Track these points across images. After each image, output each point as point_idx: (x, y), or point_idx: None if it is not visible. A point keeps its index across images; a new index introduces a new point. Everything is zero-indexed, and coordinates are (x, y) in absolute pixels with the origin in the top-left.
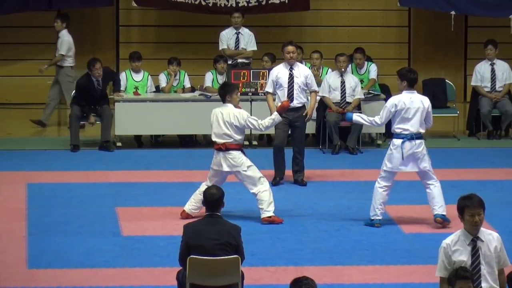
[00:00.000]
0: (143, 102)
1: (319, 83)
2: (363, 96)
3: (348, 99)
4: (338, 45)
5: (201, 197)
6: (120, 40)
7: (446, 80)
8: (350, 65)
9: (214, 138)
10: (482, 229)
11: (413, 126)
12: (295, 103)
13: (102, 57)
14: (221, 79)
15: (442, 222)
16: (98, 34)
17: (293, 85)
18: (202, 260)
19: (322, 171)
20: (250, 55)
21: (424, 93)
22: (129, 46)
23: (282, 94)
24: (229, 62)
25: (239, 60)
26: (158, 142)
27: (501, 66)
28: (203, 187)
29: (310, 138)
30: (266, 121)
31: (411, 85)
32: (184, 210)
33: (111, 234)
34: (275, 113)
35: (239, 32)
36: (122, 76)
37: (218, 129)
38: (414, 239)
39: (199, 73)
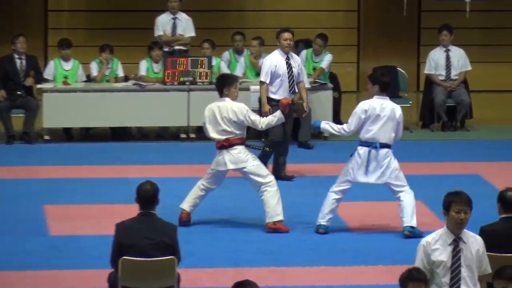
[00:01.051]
0: (73, 92)
1: (258, 72)
2: (309, 85)
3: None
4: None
5: (200, 192)
6: (49, 26)
7: (398, 68)
8: (305, 52)
9: (213, 136)
10: (465, 230)
11: (381, 135)
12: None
13: (29, 44)
14: (157, 67)
15: (410, 235)
16: (25, 19)
17: (292, 76)
18: (135, 261)
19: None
20: (187, 41)
21: None
22: (58, 32)
23: (280, 85)
24: (165, 49)
25: (176, 47)
26: (89, 135)
27: (456, 52)
28: (197, 188)
29: (252, 130)
30: (268, 119)
31: (383, 90)
32: (184, 211)
33: (39, 234)
34: (279, 111)
35: (176, 17)
36: (51, 64)
37: (216, 126)
38: (364, 239)
39: (133, 61)
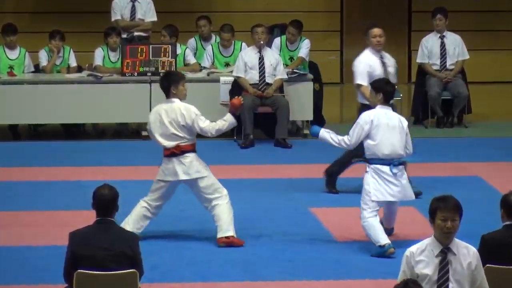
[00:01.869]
0: (20, 84)
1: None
2: (286, 76)
3: (268, 80)
4: (255, 15)
5: (144, 213)
6: None
7: None
8: (279, 39)
9: (163, 142)
10: (456, 240)
11: (399, 147)
12: None
13: None
14: (114, 56)
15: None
16: None
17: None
18: (91, 274)
19: (237, 166)
20: (148, 27)
21: None
22: (2, 17)
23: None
24: (124, 35)
25: (136, 34)
26: (38, 132)
27: (452, 39)
28: (139, 206)
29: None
30: (218, 124)
31: (387, 100)
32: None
33: None
34: (229, 115)
35: (135, 0)
36: None
37: (164, 129)
38: (347, 249)
39: (87, 50)
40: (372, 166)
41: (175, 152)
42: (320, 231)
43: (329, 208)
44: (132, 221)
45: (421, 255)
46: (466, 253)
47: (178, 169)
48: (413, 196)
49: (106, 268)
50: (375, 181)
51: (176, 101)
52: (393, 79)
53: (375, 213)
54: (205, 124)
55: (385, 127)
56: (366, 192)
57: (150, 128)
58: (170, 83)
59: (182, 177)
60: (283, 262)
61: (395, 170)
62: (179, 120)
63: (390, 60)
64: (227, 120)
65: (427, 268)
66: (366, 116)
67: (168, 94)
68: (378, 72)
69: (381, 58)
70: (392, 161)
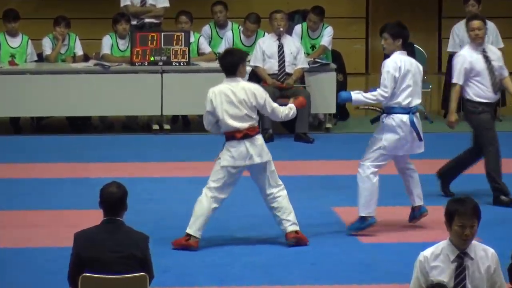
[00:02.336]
0: (22, 74)
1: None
2: (307, 66)
3: (288, 70)
4: (275, 0)
5: (211, 205)
6: None
7: (415, 46)
8: (300, 27)
9: (234, 124)
10: (474, 242)
11: (419, 95)
12: None
13: None
14: (123, 44)
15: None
16: None
17: (493, 71)
18: (98, 278)
19: None
20: (160, 13)
21: None
22: (3, 2)
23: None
24: (133, 22)
25: (147, 20)
26: (41, 126)
27: None
28: (207, 204)
29: None
30: (286, 109)
31: (404, 45)
32: (190, 237)
33: None
34: (292, 104)
35: None
36: None
37: (235, 110)
38: (373, 251)
39: (95, 37)
40: (394, 115)
41: (249, 134)
42: (344, 232)
43: (354, 208)
44: (201, 222)
45: (436, 261)
46: (484, 256)
47: (252, 152)
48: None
49: (114, 272)
50: (393, 135)
51: (241, 80)
52: (503, 73)
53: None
54: (275, 104)
55: (410, 74)
56: (381, 145)
57: (215, 111)
58: (239, 61)
59: (257, 160)
60: (305, 266)
61: (415, 119)
62: (251, 101)
63: (494, 54)
64: (292, 109)
65: (442, 275)
66: (393, 63)
67: (235, 72)
68: (479, 68)
69: (483, 52)
70: (411, 109)
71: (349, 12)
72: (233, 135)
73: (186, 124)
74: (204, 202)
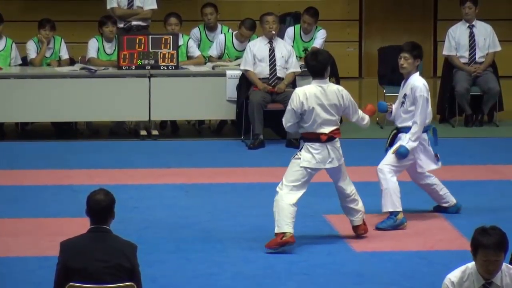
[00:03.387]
0: (6, 78)
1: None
2: (299, 70)
3: (280, 74)
4: (266, 2)
5: (293, 210)
6: None
7: None
8: (292, 29)
9: (321, 128)
10: (503, 267)
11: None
12: None
13: None
14: (110, 48)
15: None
16: None
17: None
18: None
19: (245, 169)
20: (148, 16)
21: (380, 65)
22: None
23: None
24: (120, 25)
25: (134, 23)
26: (26, 132)
27: (482, 29)
28: (288, 205)
29: (229, 126)
30: (366, 116)
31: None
32: (283, 234)
33: None
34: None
35: None
36: None
37: (326, 114)
38: (367, 260)
39: (80, 40)
40: (425, 134)
41: (333, 137)
42: (337, 241)
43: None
44: (287, 216)
45: (463, 286)
46: (510, 283)
47: (333, 155)
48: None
49: (101, 282)
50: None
51: (330, 83)
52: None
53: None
54: (357, 108)
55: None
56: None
57: (305, 113)
58: (328, 62)
59: (336, 163)
60: (298, 276)
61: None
62: (340, 103)
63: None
64: (367, 117)
65: None
66: (423, 86)
67: (323, 73)
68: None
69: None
70: (427, 128)
71: (343, 15)
72: (318, 138)
73: (175, 130)
74: (283, 199)
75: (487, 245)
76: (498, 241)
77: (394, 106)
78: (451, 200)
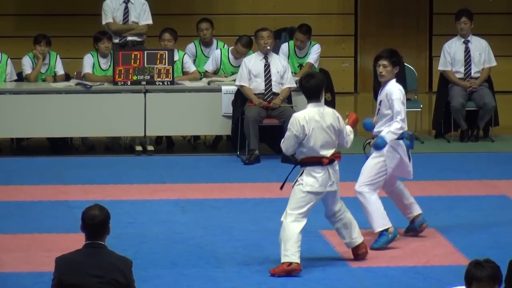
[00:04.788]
0: (1, 94)
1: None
2: (294, 85)
3: (275, 89)
4: (261, 18)
5: (299, 239)
6: None
7: (405, 64)
8: (287, 45)
9: (322, 151)
10: None
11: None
12: None
13: None
14: (105, 63)
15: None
16: None
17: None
18: None
19: (241, 184)
20: (143, 31)
21: (375, 80)
22: None
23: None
24: (116, 40)
25: (129, 38)
26: (21, 147)
27: (477, 44)
28: (296, 232)
29: (224, 141)
30: (349, 133)
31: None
32: (289, 264)
33: None
34: (349, 126)
35: (128, 1)
36: None
37: (325, 136)
38: (363, 275)
39: (76, 56)
40: (401, 141)
41: (334, 160)
42: (333, 256)
43: None
44: (293, 245)
45: None
46: None
47: (334, 179)
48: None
49: None
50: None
51: (324, 105)
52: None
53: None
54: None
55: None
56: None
57: (305, 138)
58: (322, 84)
59: (335, 187)
60: None
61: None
62: (337, 124)
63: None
64: (352, 131)
65: None
66: (399, 90)
67: (319, 96)
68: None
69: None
70: (403, 134)
71: (338, 30)
72: (319, 161)
73: (170, 145)
74: (289, 228)
75: (480, 278)
76: (491, 273)
77: (375, 118)
78: (416, 210)
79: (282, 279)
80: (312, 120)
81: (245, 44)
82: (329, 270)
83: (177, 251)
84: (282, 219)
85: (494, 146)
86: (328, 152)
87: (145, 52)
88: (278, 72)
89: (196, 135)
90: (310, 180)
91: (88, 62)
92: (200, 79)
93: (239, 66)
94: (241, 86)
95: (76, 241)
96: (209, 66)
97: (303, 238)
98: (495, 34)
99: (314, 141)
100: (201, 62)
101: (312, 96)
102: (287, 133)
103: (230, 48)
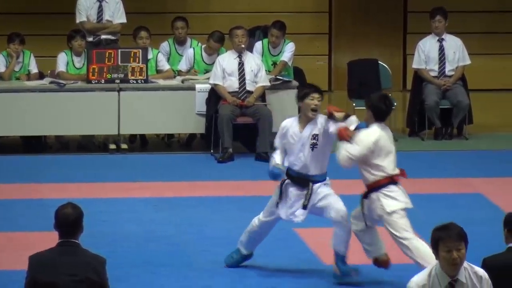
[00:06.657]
0: None
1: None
2: (268, 83)
3: (249, 87)
4: (236, 16)
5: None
6: None
7: (380, 62)
8: (261, 43)
9: (392, 169)
10: (465, 265)
11: None
12: None
13: None
14: (79, 61)
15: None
16: None
17: None
18: None
19: (214, 183)
20: (117, 29)
21: (350, 78)
22: None
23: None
24: (90, 39)
25: (103, 37)
26: None
27: (452, 42)
28: (420, 243)
29: (198, 140)
30: None
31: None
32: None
33: None
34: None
35: (102, 0)
36: None
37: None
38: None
39: (50, 54)
40: None
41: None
42: (307, 254)
43: (315, 229)
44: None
45: None
46: (476, 280)
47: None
48: None
49: None
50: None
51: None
52: None
53: None
54: None
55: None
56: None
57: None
58: (391, 109)
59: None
60: None
61: None
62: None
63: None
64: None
65: None
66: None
67: (386, 118)
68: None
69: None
70: None
71: (312, 28)
72: (394, 179)
73: (144, 144)
74: (418, 247)
75: (447, 235)
76: (457, 231)
77: None
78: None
79: (256, 278)
80: (385, 137)
81: (217, 40)
82: (303, 268)
83: (150, 250)
84: (405, 242)
85: (468, 144)
86: (396, 170)
87: (119, 50)
88: (252, 70)
89: (170, 134)
90: (393, 202)
91: (62, 61)
92: (174, 77)
93: (212, 63)
94: (215, 84)
95: (50, 239)
96: (182, 65)
97: (276, 235)
98: (470, 32)
99: (389, 156)
100: (175, 60)
101: (383, 118)
102: (355, 147)
103: (203, 46)
